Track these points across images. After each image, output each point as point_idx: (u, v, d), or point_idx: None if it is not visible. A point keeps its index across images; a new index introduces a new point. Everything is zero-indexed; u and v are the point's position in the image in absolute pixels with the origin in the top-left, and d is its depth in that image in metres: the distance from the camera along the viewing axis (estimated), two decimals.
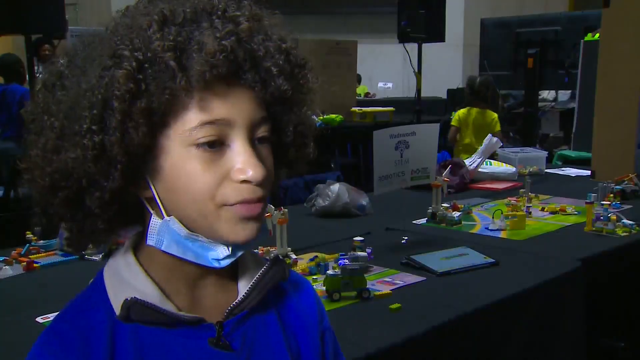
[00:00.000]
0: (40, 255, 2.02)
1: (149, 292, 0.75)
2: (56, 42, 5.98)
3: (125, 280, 0.76)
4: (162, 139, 0.71)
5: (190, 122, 0.70)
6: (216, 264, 0.74)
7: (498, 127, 5.16)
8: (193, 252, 0.74)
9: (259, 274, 0.81)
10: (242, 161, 0.71)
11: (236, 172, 0.71)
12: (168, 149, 0.71)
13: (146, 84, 0.68)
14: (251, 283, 0.80)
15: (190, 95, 0.69)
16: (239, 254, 0.76)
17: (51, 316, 1.50)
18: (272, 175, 0.77)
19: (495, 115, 5.20)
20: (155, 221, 0.75)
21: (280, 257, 0.85)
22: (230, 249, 0.74)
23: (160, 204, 0.73)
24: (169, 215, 0.73)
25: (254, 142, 0.74)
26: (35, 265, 1.93)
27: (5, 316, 1.57)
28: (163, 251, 0.75)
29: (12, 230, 2.31)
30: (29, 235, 2.09)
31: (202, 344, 0.76)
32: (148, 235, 0.75)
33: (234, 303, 0.79)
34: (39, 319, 1.50)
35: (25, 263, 1.92)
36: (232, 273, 0.82)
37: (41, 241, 2.09)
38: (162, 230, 0.74)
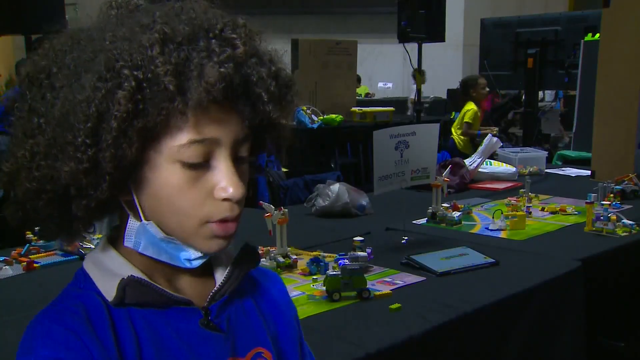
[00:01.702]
0: (40, 255, 2.02)
1: (138, 275, 0.77)
2: None
3: (112, 271, 0.77)
4: (152, 152, 0.72)
5: (180, 140, 0.71)
6: (187, 264, 0.78)
7: (467, 117, 5.63)
8: (167, 253, 0.77)
9: (234, 258, 0.84)
10: (225, 180, 0.74)
11: (219, 190, 0.74)
12: (155, 161, 0.73)
13: (144, 104, 0.69)
14: (228, 269, 0.83)
15: (185, 117, 0.70)
16: (208, 256, 0.79)
17: None
18: (246, 193, 0.79)
19: (472, 106, 5.62)
20: (132, 224, 0.77)
21: (251, 245, 0.88)
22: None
23: (140, 209, 0.75)
24: (147, 220, 0.76)
25: (236, 159, 0.76)
26: (35, 265, 1.93)
27: (5, 316, 1.57)
28: (140, 253, 0.77)
29: (12, 230, 2.31)
30: (29, 235, 2.09)
31: (191, 326, 0.79)
32: (125, 236, 0.77)
33: (214, 289, 0.82)
34: None
35: (25, 263, 1.92)
36: (206, 265, 0.84)
37: (41, 241, 2.09)
38: (139, 233, 0.76)
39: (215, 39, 0.72)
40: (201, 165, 0.73)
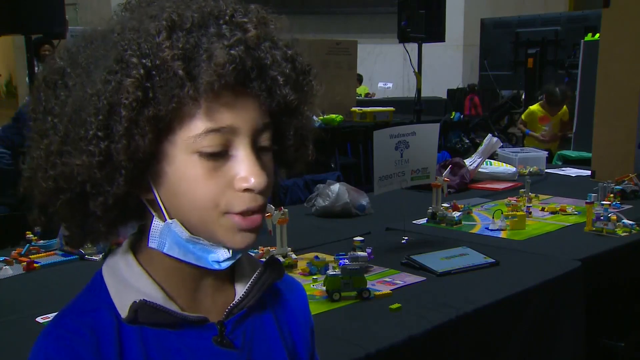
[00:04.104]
0: (40, 255, 2.02)
1: (152, 294, 0.75)
2: (56, 42, 5.98)
3: (128, 282, 0.75)
4: (167, 144, 0.71)
5: (196, 129, 0.70)
6: (216, 266, 0.75)
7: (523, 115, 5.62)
8: (194, 254, 0.74)
9: (256, 273, 0.82)
10: (245, 169, 0.71)
11: (239, 180, 0.71)
12: (172, 155, 0.71)
13: (154, 92, 0.67)
14: (249, 282, 0.81)
15: (197, 104, 0.69)
16: (239, 256, 0.76)
17: (51, 316, 1.50)
18: (272, 182, 0.77)
19: (533, 107, 5.57)
20: (157, 224, 0.74)
21: (276, 257, 0.86)
22: (230, 251, 0.75)
23: (162, 207, 0.73)
24: (171, 218, 0.73)
25: (256, 149, 0.74)
26: (35, 265, 1.93)
27: (5, 316, 1.57)
28: (164, 254, 0.75)
29: (12, 230, 2.31)
30: (29, 235, 2.09)
31: (205, 343, 0.77)
32: (150, 237, 0.75)
33: (233, 303, 0.80)
34: (39, 319, 1.50)
35: (25, 263, 1.92)
36: (228, 274, 0.82)
37: (41, 241, 2.09)
38: (164, 233, 0.74)
39: (226, 25, 0.70)
40: (220, 155, 0.71)
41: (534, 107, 5.51)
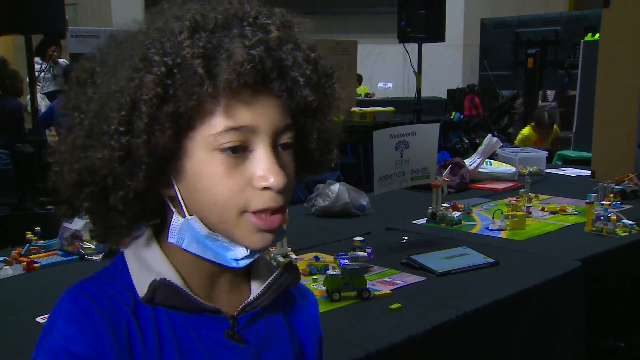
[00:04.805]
0: (40, 255, 2.02)
1: (173, 279, 0.76)
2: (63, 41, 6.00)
3: (149, 265, 0.77)
4: (187, 141, 0.72)
5: (216, 127, 0.71)
6: (234, 264, 0.76)
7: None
8: (213, 251, 0.76)
9: (274, 274, 0.83)
10: (264, 168, 0.72)
11: (258, 179, 0.72)
12: (192, 152, 0.72)
13: (174, 89, 0.69)
14: (266, 283, 0.82)
15: (216, 101, 0.70)
16: (257, 255, 0.78)
17: None
18: (293, 182, 0.77)
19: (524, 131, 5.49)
20: (176, 219, 0.76)
21: (295, 264, 0.87)
22: (248, 250, 0.76)
23: (182, 203, 0.75)
24: (190, 215, 0.75)
25: (277, 148, 0.74)
26: (35, 265, 1.93)
27: (5, 316, 1.57)
28: (183, 249, 0.76)
29: (12, 230, 2.31)
30: (29, 235, 2.09)
31: (216, 335, 0.78)
32: (169, 233, 0.76)
33: (247, 300, 0.81)
34: (39, 319, 1.50)
35: (25, 263, 1.92)
36: (244, 275, 0.84)
37: (41, 241, 2.09)
38: (183, 229, 0.75)
39: (249, 26, 0.71)
40: (239, 154, 0.72)
41: (526, 131, 5.50)
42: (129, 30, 0.77)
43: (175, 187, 0.74)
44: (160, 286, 0.75)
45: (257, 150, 0.72)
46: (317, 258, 1.93)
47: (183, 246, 0.76)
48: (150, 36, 0.71)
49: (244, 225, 0.73)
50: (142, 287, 0.75)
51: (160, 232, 0.80)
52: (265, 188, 0.72)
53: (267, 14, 0.74)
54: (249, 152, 0.73)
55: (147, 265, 0.77)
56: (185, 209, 0.75)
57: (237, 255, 0.75)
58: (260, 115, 0.72)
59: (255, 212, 0.73)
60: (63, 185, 0.75)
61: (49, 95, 6.02)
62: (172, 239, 0.76)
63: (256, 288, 0.82)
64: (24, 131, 5.56)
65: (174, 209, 0.76)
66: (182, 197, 0.74)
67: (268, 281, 0.82)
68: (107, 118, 0.70)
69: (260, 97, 0.72)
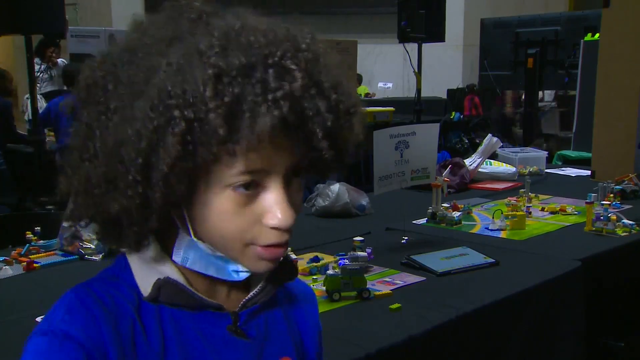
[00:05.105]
0: (40, 255, 2.02)
1: (176, 277, 0.78)
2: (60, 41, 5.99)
3: (152, 264, 0.78)
4: (200, 182, 0.71)
5: (230, 170, 0.70)
6: (235, 276, 0.78)
7: None
8: (215, 266, 0.77)
9: (270, 271, 0.83)
10: (274, 208, 0.72)
11: (268, 218, 0.73)
12: (204, 187, 0.72)
13: (194, 145, 0.67)
14: (264, 279, 0.83)
15: (234, 156, 0.69)
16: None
17: None
18: (299, 211, 0.77)
19: None
20: (182, 237, 0.77)
21: (291, 258, 0.89)
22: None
23: (190, 227, 0.75)
24: (197, 237, 0.75)
25: (290, 179, 0.74)
26: (35, 265, 1.93)
27: (5, 316, 1.57)
28: (187, 268, 0.78)
29: (12, 230, 2.31)
30: (29, 235, 2.09)
31: (219, 331, 0.80)
32: (174, 250, 0.77)
33: (248, 296, 0.82)
34: (39, 319, 1.50)
35: (25, 263, 1.92)
36: None
37: (41, 241, 2.09)
38: (188, 248, 0.77)
39: (272, 68, 0.68)
40: (251, 190, 0.72)
41: None
42: (145, 33, 0.73)
43: (185, 214, 0.74)
44: (164, 284, 0.76)
45: (269, 189, 0.72)
46: (317, 258, 1.93)
47: (187, 265, 0.77)
48: (170, 76, 0.67)
49: (249, 254, 0.75)
50: (145, 286, 0.77)
51: (161, 232, 0.80)
52: (273, 227, 0.73)
53: (293, 51, 0.70)
54: (261, 188, 0.73)
55: (150, 264, 0.78)
56: (192, 233, 0.75)
57: (239, 267, 0.78)
58: (274, 159, 0.71)
59: (261, 246, 0.74)
60: (75, 208, 0.75)
61: (47, 96, 6.02)
62: (176, 257, 0.77)
63: (255, 283, 0.84)
64: (15, 129, 5.57)
65: (181, 227, 0.76)
66: (190, 223, 0.75)
67: (266, 277, 0.83)
68: (123, 161, 0.69)
69: (276, 143, 0.70)
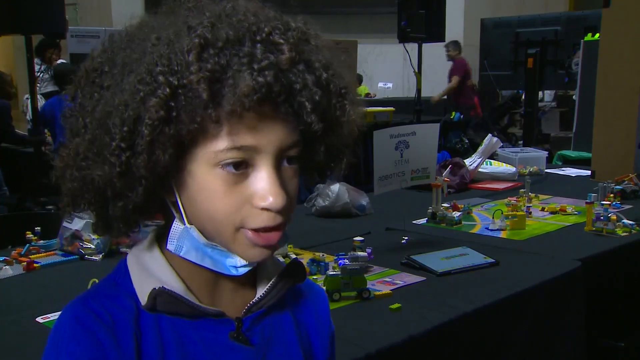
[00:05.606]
0: (40, 255, 2.02)
1: (173, 285, 0.76)
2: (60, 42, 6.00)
3: (151, 271, 0.77)
4: (188, 157, 0.71)
5: (217, 146, 0.69)
6: (234, 272, 0.75)
7: None
8: (211, 258, 0.75)
9: (279, 273, 0.83)
10: (264, 188, 0.71)
11: (257, 198, 0.71)
12: (193, 166, 0.71)
13: (177, 111, 0.67)
14: (270, 282, 0.82)
15: (219, 126, 0.69)
16: (255, 263, 0.77)
17: (51, 316, 1.50)
18: (295, 198, 0.76)
19: None
20: (177, 226, 0.75)
21: (300, 261, 0.87)
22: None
23: (182, 211, 0.74)
24: (190, 223, 0.74)
25: (281, 163, 0.73)
26: (35, 265, 1.93)
27: (5, 316, 1.57)
28: (181, 257, 0.76)
29: (12, 230, 2.31)
30: (29, 235, 2.09)
31: (221, 338, 0.78)
32: (168, 239, 0.76)
33: (253, 300, 0.81)
34: (39, 319, 1.50)
35: (25, 263, 1.92)
36: (251, 274, 0.83)
37: (41, 241, 2.09)
38: (182, 237, 0.75)
39: (260, 44, 0.69)
40: (241, 170, 0.71)
41: None
42: (144, 23, 0.75)
43: (177, 196, 0.74)
44: (160, 294, 0.75)
45: (259, 169, 0.71)
46: (315, 260, 1.92)
47: (181, 254, 0.76)
48: (159, 49, 0.69)
49: (240, 240, 0.73)
50: (143, 295, 0.76)
51: (162, 235, 0.80)
52: (264, 208, 0.72)
53: (283, 28, 0.71)
54: (251, 169, 0.71)
55: (148, 271, 0.77)
56: (185, 218, 0.74)
57: (237, 262, 0.75)
58: (264, 136, 0.70)
59: (252, 229, 0.72)
60: (65, 188, 0.75)
61: (47, 96, 6.03)
62: (170, 246, 0.76)
63: (262, 287, 0.82)
64: (14, 130, 5.58)
65: (175, 214, 0.75)
66: (182, 206, 0.74)
67: (273, 280, 0.81)
68: (110, 130, 0.69)
69: (265, 118, 0.70)
